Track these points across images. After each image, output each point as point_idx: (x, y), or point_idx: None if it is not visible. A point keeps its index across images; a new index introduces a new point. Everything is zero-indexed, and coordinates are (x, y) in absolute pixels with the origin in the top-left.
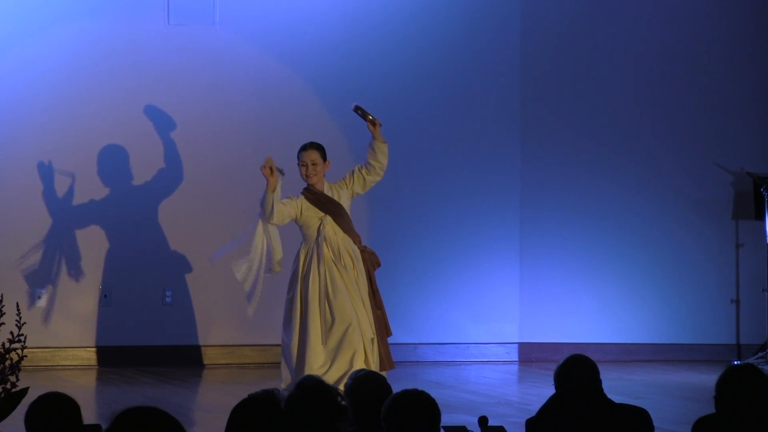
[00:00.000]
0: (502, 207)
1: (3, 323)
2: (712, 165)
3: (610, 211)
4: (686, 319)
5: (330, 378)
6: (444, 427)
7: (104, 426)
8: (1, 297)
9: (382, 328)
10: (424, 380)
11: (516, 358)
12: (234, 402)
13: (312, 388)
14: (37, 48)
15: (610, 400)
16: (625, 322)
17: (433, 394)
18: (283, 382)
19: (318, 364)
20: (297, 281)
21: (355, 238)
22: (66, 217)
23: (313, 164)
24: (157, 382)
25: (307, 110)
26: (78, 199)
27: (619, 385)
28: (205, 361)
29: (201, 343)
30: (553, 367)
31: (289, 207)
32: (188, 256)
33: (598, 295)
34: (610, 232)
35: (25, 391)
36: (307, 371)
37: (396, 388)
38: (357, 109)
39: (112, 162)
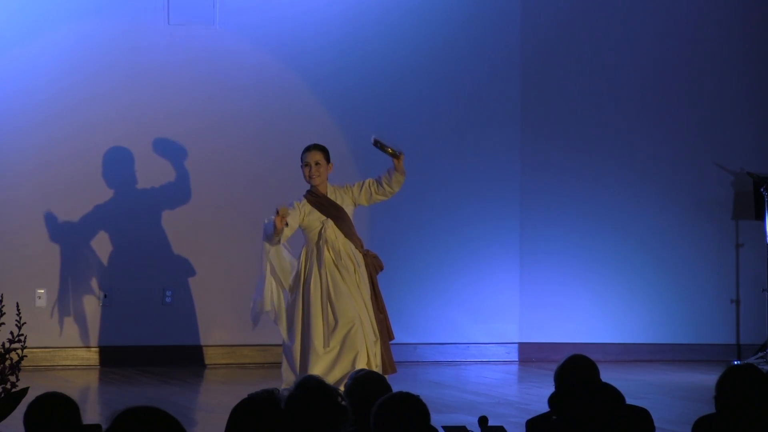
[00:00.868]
0: (503, 207)
1: (3, 323)
2: (712, 165)
3: (610, 212)
4: (686, 319)
5: (332, 379)
6: (444, 427)
7: (104, 426)
8: (1, 297)
9: (384, 332)
10: (424, 380)
11: (516, 358)
12: (234, 402)
13: (312, 388)
14: (37, 48)
15: (618, 392)
16: (625, 322)
17: (433, 394)
18: (284, 382)
19: (320, 370)
20: (299, 284)
21: (357, 242)
22: (66, 217)
23: (317, 165)
24: (158, 382)
25: (307, 110)
26: (78, 199)
27: (619, 385)
28: (206, 361)
29: (201, 343)
30: (553, 367)
31: (292, 220)
32: (189, 256)
33: (598, 296)
34: (610, 232)
35: (25, 391)
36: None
37: (396, 389)
38: (376, 143)
39: (112, 162)
